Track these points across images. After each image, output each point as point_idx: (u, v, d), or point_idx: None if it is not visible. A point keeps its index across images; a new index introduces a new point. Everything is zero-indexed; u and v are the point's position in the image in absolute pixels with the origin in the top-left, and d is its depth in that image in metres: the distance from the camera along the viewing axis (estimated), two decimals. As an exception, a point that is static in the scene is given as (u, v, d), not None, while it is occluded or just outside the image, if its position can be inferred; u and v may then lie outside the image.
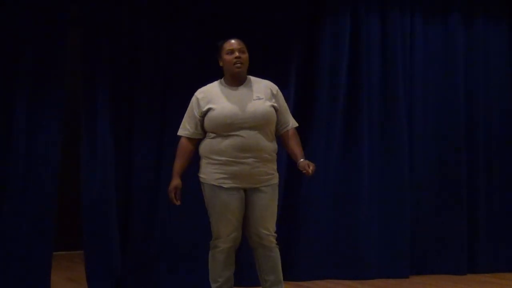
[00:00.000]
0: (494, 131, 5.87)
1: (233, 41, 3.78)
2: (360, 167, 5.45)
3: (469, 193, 5.72)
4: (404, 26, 5.65)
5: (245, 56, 3.78)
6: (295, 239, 5.26)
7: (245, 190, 3.73)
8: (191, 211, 4.60)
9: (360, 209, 5.43)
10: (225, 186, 3.69)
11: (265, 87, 3.83)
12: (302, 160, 3.77)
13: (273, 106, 3.77)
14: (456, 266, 5.64)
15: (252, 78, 3.85)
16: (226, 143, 3.66)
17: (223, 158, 3.67)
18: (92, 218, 4.77)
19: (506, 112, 5.93)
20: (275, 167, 3.82)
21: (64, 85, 4.77)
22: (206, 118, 3.73)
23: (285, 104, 3.91)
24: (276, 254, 3.80)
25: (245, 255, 4.28)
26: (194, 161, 3.85)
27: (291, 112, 3.97)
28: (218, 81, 3.85)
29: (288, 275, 4.93)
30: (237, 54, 3.73)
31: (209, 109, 3.71)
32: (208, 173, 3.74)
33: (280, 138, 3.89)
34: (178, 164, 3.80)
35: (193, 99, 3.82)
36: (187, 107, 3.85)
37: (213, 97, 3.75)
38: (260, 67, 4.76)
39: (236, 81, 3.79)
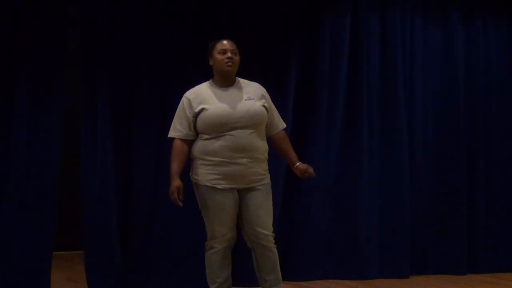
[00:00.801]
0: (494, 130, 5.87)
1: (225, 41, 3.79)
2: (360, 167, 5.45)
3: (469, 193, 5.73)
4: (404, 26, 5.65)
5: (237, 58, 3.80)
6: (295, 239, 5.27)
7: (238, 190, 3.73)
8: (191, 211, 4.59)
9: (360, 209, 5.43)
10: (219, 187, 3.69)
11: (254, 88, 3.85)
12: (299, 164, 3.83)
13: (264, 106, 3.79)
14: (456, 266, 5.64)
15: (241, 80, 3.87)
16: (219, 143, 3.67)
17: (217, 159, 3.67)
18: (92, 218, 4.77)
19: (507, 111, 5.93)
20: (267, 167, 3.84)
21: (64, 85, 4.77)
22: (199, 119, 3.73)
23: (274, 106, 3.94)
24: (275, 254, 3.80)
25: (243, 255, 4.27)
26: (188, 162, 3.85)
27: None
28: (207, 82, 3.85)
29: (288, 275, 4.94)
30: (229, 54, 3.74)
31: (202, 110, 3.71)
32: (202, 174, 3.73)
33: (272, 140, 3.91)
34: (176, 165, 3.78)
35: (184, 100, 3.81)
36: None
37: (204, 98, 3.75)
38: (260, 67, 4.79)
39: (225, 81, 3.79)
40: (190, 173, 3.83)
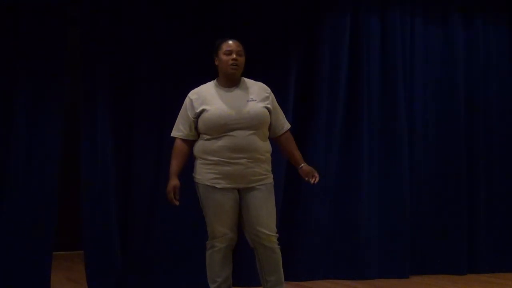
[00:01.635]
0: (494, 130, 5.87)
1: (231, 42, 3.78)
2: (360, 167, 5.45)
3: (469, 192, 5.73)
4: (404, 26, 5.65)
5: (242, 59, 3.79)
6: (295, 239, 5.26)
7: (239, 190, 3.73)
8: (191, 211, 4.59)
9: (360, 209, 5.43)
10: (218, 186, 3.69)
11: (259, 89, 3.83)
12: (304, 165, 3.82)
13: (267, 108, 3.78)
14: (456, 266, 5.65)
15: (246, 80, 3.85)
16: (219, 143, 3.67)
17: (217, 159, 3.67)
18: (92, 218, 4.78)
19: (507, 111, 5.93)
20: (269, 167, 3.82)
21: (64, 85, 4.77)
22: (200, 120, 3.73)
23: (278, 106, 3.92)
24: (278, 254, 3.77)
25: (244, 255, 4.28)
26: (191, 161, 3.85)
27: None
28: (212, 82, 3.84)
29: (288, 275, 4.91)
30: (234, 56, 3.73)
31: (203, 110, 3.71)
32: (202, 174, 3.74)
33: (276, 141, 3.90)
34: (175, 165, 3.79)
35: (187, 100, 3.81)
36: None
37: (206, 98, 3.74)
38: (260, 67, 4.78)
39: (229, 82, 3.78)
40: (193, 173, 3.83)
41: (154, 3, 5.04)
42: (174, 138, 3.86)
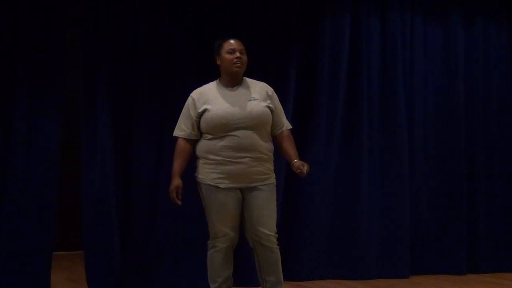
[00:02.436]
0: (494, 130, 5.88)
1: (233, 41, 3.78)
2: (360, 167, 5.44)
3: (469, 192, 5.73)
4: (404, 26, 5.65)
5: (245, 57, 3.79)
6: (295, 239, 5.26)
7: (241, 190, 3.73)
8: (191, 211, 4.60)
9: (360, 209, 5.43)
10: (221, 186, 3.69)
11: (261, 88, 3.84)
12: (296, 160, 3.77)
13: (269, 107, 3.78)
14: (456, 266, 5.65)
15: (248, 79, 3.86)
16: (222, 143, 3.67)
17: (219, 158, 3.67)
18: (92, 218, 4.77)
19: (507, 111, 5.93)
20: (272, 167, 3.82)
21: (64, 85, 4.77)
22: (202, 119, 3.73)
23: (280, 106, 3.92)
24: (277, 254, 3.77)
25: (244, 255, 4.28)
26: (193, 161, 3.85)
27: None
28: (214, 82, 3.85)
29: (288, 275, 4.93)
30: (238, 54, 3.74)
31: (205, 110, 3.72)
32: (205, 173, 3.74)
33: (275, 139, 3.90)
34: (178, 164, 3.79)
35: (189, 100, 3.82)
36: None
37: (209, 98, 3.75)
38: (260, 67, 4.78)
39: (232, 81, 3.79)
40: (195, 173, 3.83)
41: (154, 3, 5.04)
42: (175, 138, 3.86)
